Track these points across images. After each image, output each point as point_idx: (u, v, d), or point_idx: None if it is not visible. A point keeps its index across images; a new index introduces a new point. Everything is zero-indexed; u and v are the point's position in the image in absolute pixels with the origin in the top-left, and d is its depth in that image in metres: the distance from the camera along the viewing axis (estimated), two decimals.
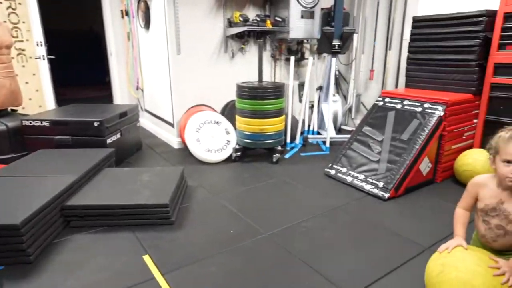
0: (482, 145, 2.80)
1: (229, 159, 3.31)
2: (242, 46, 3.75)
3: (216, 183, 2.81)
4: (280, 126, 3.24)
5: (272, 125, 3.16)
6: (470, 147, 2.89)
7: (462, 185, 2.66)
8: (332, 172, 2.89)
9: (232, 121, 3.41)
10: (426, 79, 3.13)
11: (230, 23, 3.58)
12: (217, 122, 3.36)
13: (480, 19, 2.69)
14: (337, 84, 4.44)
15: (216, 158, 3.25)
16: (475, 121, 2.88)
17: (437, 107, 2.64)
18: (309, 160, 3.35)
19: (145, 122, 4.61)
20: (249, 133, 3.19)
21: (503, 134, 1.35)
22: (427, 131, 2.56)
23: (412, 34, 3.19)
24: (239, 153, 3.28)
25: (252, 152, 3.48)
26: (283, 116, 3.28)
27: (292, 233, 2.06)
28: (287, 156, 3.45)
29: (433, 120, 2.59)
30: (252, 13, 3.72)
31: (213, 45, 3.66)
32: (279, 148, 3.27)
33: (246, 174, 3.01)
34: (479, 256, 1.33)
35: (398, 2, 3.80)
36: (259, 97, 3.07)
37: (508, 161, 1.31)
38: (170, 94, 3.66)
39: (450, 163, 2.77)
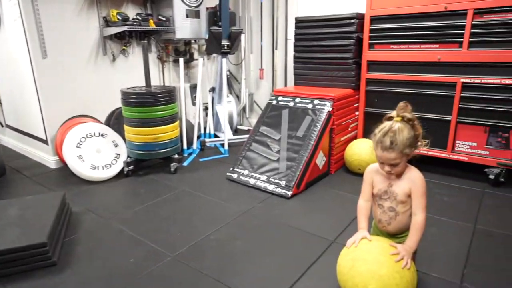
0: (365, 135, 3.10)
1: (121, 175, 2.96)
2: (124, 47, 3.40)
3: (107, 204, 2.47)
4: (175, 132, 3.03)
5: (166, 133, 2.93)
6: (355, 137, 3.17)
7: (353, 173, 2.91)
8: (234, 175, 2.82)
9: (121, 132, 3.06)
10: (312, 76, 3.31)
11: (107, 23, 3.19)
12: (102, 135, 2.96)
13: (352, 21, 2.95)
14: (229, 84, 4.42)
15: (105, 175, 2.86)
16: (356, 113, 3.17)
17: (326, 103, 2.80)
18: (209, 165, 3.23)
19: (9, 140, 3.83)
20: (141, 144, 2.89)
21: (376, 133, 1.42)
22: (319, 127, 2.70)
23: (296, 34, 3.33)
24: (131, 167, 2.96)
25: (147, 163, 3.19)
26: (177, 122, 3.08)
27: (201, 249, 1.91)
28: (185, 163, 3.26)
29: (323, 115, 2.74)
30: (132, 12, 3.39)
31: (89, 47, 3.21)
32: (176, 156, 3.06)
33: (143, 189, 2.73)
34: (382, 245, 1.40)
35: (280, 3, 3.95)
36: (148, 103, 2.81)
37: (380, 162, 1.44)
38: (38, 106, 3.08)
39: (341, 154, 2.98)
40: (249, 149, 2.92)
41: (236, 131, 4.24)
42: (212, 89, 3.94)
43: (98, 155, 2.90)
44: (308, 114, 2.81)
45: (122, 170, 2.97)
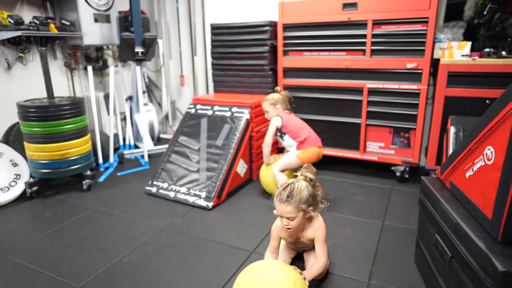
0: None
1: (23, 197, 2.64)
2: (21, 54, 3.03)
3: (3, 234, 2.16)
4: (86, 147, 2.79)
5: (75, 148, 2.68)
6: (276, 142, 3.22)
7: None
8: (154, 189, 2.68)
9: (24, 148, 2.72)
10: (231, 83, 3.30)
11: None
12: None
13: (266, 28, 3.00)
14: (150, 92, 4.22)
15: (1, 200, 2.52)
16: None
17: (244, 110, 2.80)
18: (127, 180, 3.03)
19: None
20: (46, 162, 2.60)
21: (278, 188, 1.54)
22: (238, 135, 2.68)
23: (212, 41, 3.29)
24: (35, 188, 2.65)
25: (55, 182, 2.89)
26: (88, 135, 2.84)
27: (110, 276, 1.76)
28: (101, 179, 3.02)
29: (242, 123, 2.73)
30: (28, 14, 3.04)
31: None
32: (89, 172, 2.81)
33: (49, 212, 2.45)
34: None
35: (197, 9, 3.87)
36: (52, 117, 2.54)
37: (279, 215, 1.55)
38: None
39: (262, 161, 3.00)
40: (168, 161, 2.80)
41: (159, 141, 4.07)
42: (130, 98, 3.72)
43: None
44: (227, 122, 2.79)
45: (24, 193, 2.65)
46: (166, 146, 3.57)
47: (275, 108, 2.52)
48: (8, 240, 2.10)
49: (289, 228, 1.54)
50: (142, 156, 3.48)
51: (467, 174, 1.34)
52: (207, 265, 1.83)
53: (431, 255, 1.54)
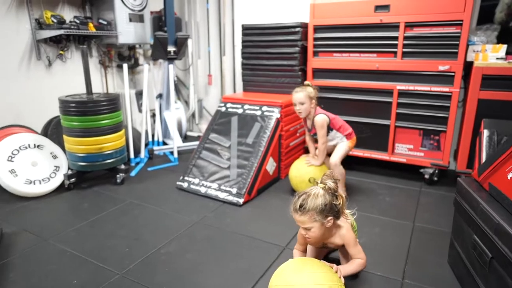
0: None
1: (61, 188, 2.76)
2: (61, 52, 3.17)
3: (46, 222, 2.28)
4: (121, 142, 2.90)
5: (111, 142, 2.79)
6: (304, 142, 3.26)
7: None
8: (185, 184, 2.77)
9: (60, 142, 2.86)
10: (260, 83, 3.36)
11: (41, 25, 2.96)
12: (38, 146, 2.74)
13: (297, 29, 3.04)
14: (177, 90, 4.33)
15: (42, 190, 2.65)
16: None
17: (274, 109, 2.85)
18: (158, 175, 3.13)
19: None
20: (83, 155, 2.72)
21: (294, 200, 1.48)
22: (268, 133, 2.74)
23: (243, 41, 3.36)
24: (73, 179, 2.77)
25: (90, 175, 3.01)
26: (123, 131, 2.94)
27: (150, 264, 1.84)
28: (133, 173, 3.13)
29: (272, 122, 2.78)
30: (68, 14, 3.18)
31: (19, 51, 2.96)
32: (123, 166, 2.92)
33: (86, 203, 2.57)
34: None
35: (226, 10, 3.95)
36: (90, 112, 2.65)
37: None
38: None
39: (290, 159, 3.05)
40: (199, 157, 2.88)
41: (185, 138, 4.16)
42: (160, 96, 3.83)
43: (34, 169, 2.68)
44: (257, 121, 2.85)
45: (62, 184, 2.78)
46: (195, 143, 3.68)
47: (311, 102, 2.52)
48: (51, 227, 2.21)
49: (308, 238, 1.49)
50: (171, 153, 3.58)
51: (510, 176, 1.35)
52: (241, 258, 1.89)
53: (468, 256, 1.55)
